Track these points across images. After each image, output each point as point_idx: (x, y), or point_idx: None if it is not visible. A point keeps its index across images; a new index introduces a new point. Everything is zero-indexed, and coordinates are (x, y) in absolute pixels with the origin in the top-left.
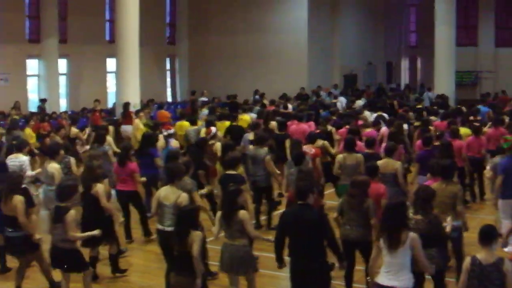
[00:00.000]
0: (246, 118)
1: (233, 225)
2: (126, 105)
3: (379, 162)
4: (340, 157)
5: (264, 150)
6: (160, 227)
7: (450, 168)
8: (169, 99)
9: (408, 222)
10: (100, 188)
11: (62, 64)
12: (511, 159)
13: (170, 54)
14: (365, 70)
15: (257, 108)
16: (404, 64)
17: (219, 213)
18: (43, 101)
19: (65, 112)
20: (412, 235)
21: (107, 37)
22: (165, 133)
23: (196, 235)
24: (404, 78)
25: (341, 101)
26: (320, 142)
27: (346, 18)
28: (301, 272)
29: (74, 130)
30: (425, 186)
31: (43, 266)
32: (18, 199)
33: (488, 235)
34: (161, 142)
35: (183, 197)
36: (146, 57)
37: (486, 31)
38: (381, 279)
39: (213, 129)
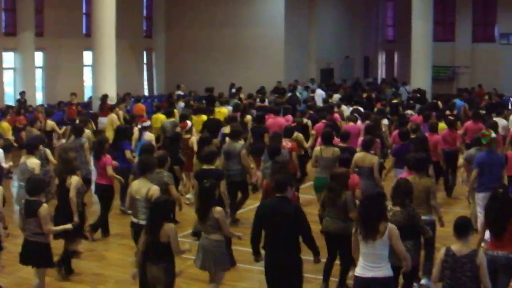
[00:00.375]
0: (223, 111)
1: (207, 221)
2: (104, 98)
3: (357, 156)
4: (317, 149)
5: (240, 144)
6: (134, 220)
7: (423, 161)
8: (146, 92)
9: (386, 213)
10: (74, 180)
11: (39, 57)
12: (488, 154)
13: (147, 47)
14: (342, 64)
15: (234, 101)
16: (381, 58)
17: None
18: (22, 94)
19: (41, 105)
20: (391, 226)
21: (84, 31)
22: (140, 126)
23: (169, 227)
24: (381, 73)
25: (319, 94)
26: (293, 134)
27: (323, 12)
28: (276, 265)
29: (50, 123)
30: (405, 179)
31: None
32: None
33: (463, 227)
34: (135, 135)
35: (154, 190)
36: (123, 50)
37: (463, 27)
38: (360, 271)
39: (188, 123)
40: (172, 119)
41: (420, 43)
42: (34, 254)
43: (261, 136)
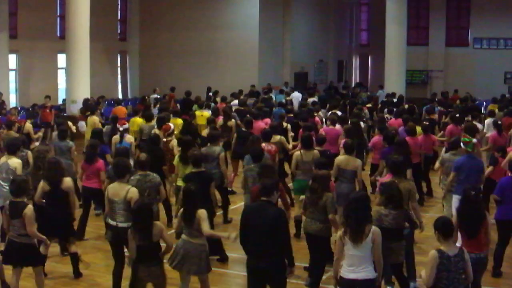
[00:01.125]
0: (206, 114)
1: (194, 225)
2: (86, 101)
3: (339, 159)
4: (297, 154)
5: (219, 147)
6: (112, 223)
7: (400, 165)
8: (120, 95)
9: (371, 215)
10: (69, 182)
11: (12, 60)
12: (468, 159)
13: (121, 50)
14: (316, 68)
15: (213, 105)
16: (355, 62)
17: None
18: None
19: (15, 108)
20: (375, 228)
21: (58, 33)
22: (121, 129)
23: (160, 226)
24: (355, 77)
25: (296, 97)
26: (277, 137)
27: (297, 15)
28: (258, 269)
29: (28, 125)
30: (393, 181)
31: None
32: None
33: (449, 227)
34: (116, 138)
35: (133, 192)
36: (97, 53)
37: (437, 31)
38: (345, 273)
39: (171, 125)
40: (150, 123)
41: (394, 47)
42: (20, 255)
43: (245, 140)
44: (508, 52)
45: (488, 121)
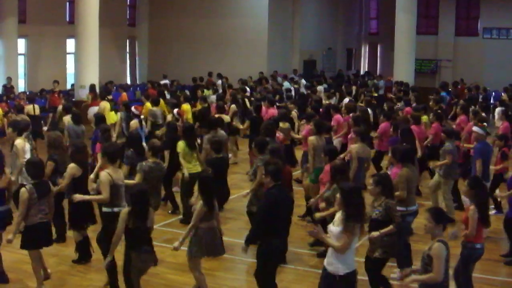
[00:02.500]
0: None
1: (214, 211)
2: (93, 87)
3: (355, 147)
4: (312, 139)
5: (223, 132)
6: (117, 210)
7: (408, 153)
8: (129, 81)
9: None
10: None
11: (21, 44)
12: (486, 146)
13: (130, 36)
14: (325, 55)
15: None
16: (364, 51)
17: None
18: (8, 79)
19: (24, 92)
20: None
21: (67, 18)
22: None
23: (153, 213)
24: (364, 65)
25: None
26: (285, 124)
27: (306, 3)
28: (282, 251)
29: (28, 107)
30: (386, 173)
31: None
32: None
33: (447, 217)
34: (134, 122)
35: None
36: (106, 38)
37: (446, 20)
38: (351, 266)
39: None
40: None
41: (403, 36)
42: (49, 235)
43: (259, 126)
44: None
45: (498, 110)
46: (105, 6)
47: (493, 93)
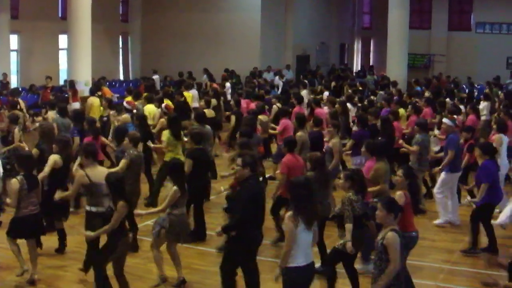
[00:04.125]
0: (189, 95)
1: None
2: (72, 83)
3: (337, 141)
4: (300, 134)
5: (209, 127)
6: (101, 209)
7: (381, 147)
8: (121, 77)
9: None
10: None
11: (13, 40)
12: (457, 137)
13: (123, 31)
14: (318, 50)
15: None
16: (357, 45)
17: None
18: (4, 75)
19: (16, 88)
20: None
21: (60, 14)
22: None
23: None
24: (357, 60)
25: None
26: (261, 117)
27: None
28: (259, 241)
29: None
30: (359, 169)
31: None
32: None
33: (397, 206)
34: (125, 116)
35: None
36: (99, 34)
37: (439, 15)
38: (299, 260)
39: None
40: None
41: (396, 30)
42: (39, 225)
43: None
44: (510, 37)
45: (483, 104)
46: (97, 2)
47: (486, 87)
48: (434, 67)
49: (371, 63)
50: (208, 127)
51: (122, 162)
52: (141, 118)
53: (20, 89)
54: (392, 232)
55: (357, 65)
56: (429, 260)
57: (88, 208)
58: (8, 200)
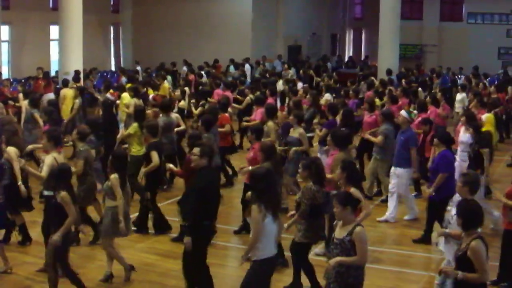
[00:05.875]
0: (165, 86)
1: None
2: (46, 74)
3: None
4: (270, 124)
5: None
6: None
7: (345, 138)
8: (113, 67)
9: None
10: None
11: (5, 31)
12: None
13: (114, 22)
14: (309, 41)
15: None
16: (349, 36)
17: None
18: None
19: (7, 79)
20: None
21: (51, 4)
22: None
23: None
24: (348, 50)
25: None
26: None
27: None
28: (212, 233)
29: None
30: (315, 157)
31: None
32: None
33: (351, 199)
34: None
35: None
36: (90, 25)
37: (431, 5)
38: (268, 252)
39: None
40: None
41: (387, 21)
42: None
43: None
44: (502, 28)
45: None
46: None
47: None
48: (425, 58)
49: (362, 54)
50: (173, 116)
51: (79, 164)
52: (107, 106)
53: (11, 80)
54: (359, 227)
55: (348, 56)
56: (421, 250)
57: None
58: None
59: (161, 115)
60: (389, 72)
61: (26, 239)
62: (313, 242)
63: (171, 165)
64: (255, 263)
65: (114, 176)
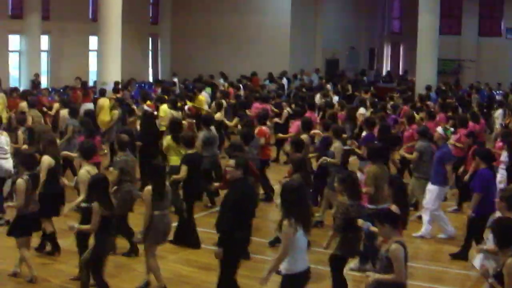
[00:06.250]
0: (201, 98)
1: (166, 199)
2: (84, 84)
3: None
4: (304, 137)
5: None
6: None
7: (378, 151)
8: (151, 79)
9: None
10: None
11: (44, 41)
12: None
13: (153, 33)
14: (347, 55)
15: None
16: (387, 50)
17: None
18: (36, 76)
19: (46, 89)
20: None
21: (90, 15)
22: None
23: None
24: (386, 65)
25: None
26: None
27: (329, 1)
28: (244, 245)
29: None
30: (352, 171)
31: None
32: None
33: (396, 217)
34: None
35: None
36: (129, 36)
37: (470, 20)
38: (297, 266)
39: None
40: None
41: (426, 35)
42: (37, 222)
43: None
44: None
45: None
46: (128, 4)
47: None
48: (463, 73)
49: (400, 68)
50: (213, 130)
51: (114, 174)
52: (146, 117)
53: (50, 89)
54: (397, 245)
55: (386, 70)
56: (457, 267)
57: (84, 204)
58: (10, 203)
59: (203, 129)
60: (428, 88)
61: (54, 249)
62: (347, 255)
63: (216, 184)
64: (286, 277)
65: (147, 188)
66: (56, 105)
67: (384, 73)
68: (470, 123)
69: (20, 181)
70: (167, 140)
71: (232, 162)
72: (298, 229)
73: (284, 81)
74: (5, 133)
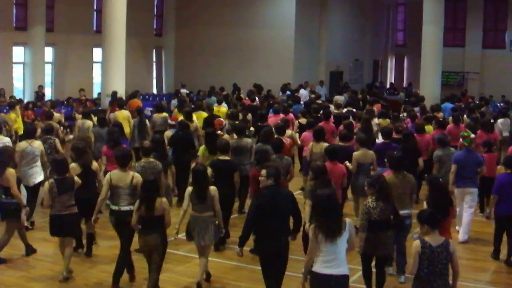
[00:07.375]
0: (223, 110)
1: (207, 200)
2: (114, 94)
3: (357, 153)
4: (310, 145)
5: (250, 139)
6: (114, 207)
7: (398, 160)
8: (155, 91)
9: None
10: (95, 165)
11: (48, 53)
12: (465, 153)
13: (157, 45)
14: (352, 67)
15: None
16: (391, 62)
17: (189, 189)
18: (40, 87)
19: (50, 100)
20: (349, 221)
21: (94, 27)
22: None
23: (164, 201)
24: (390, 77)
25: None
26: (289, 132)
27: (333, 14)
28: (276, 251)
29: (56, 115)
30: (380, 174)
31: (22, 231)
32: (10, 172)
33: (435, 219)
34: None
35: (138, 177)
36: (133, 48)
37: (474, 33)
38: (319, 268)
39: (223, 120)
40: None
41: (430, 48)
42: (68, 226)
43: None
44: None
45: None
46: (132, 16)
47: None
48: (467, 85)
49: (404, 80)
50: (248, 140)
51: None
52: (183, 127)
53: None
54: (417, 241)
55: (390, 82)
56: (462, 279)
57: (126, 208)
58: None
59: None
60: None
61: (87, 249)
62: (368, 253)
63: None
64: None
65: (187, 190)
66: (78, 116)
67: (387, 85)
68: (484, 133)
69: (45, 184)
70: (201, 150)
71: (264, 172)
72: (319, 235)
73: (302, 92)
74: (37, 142)
